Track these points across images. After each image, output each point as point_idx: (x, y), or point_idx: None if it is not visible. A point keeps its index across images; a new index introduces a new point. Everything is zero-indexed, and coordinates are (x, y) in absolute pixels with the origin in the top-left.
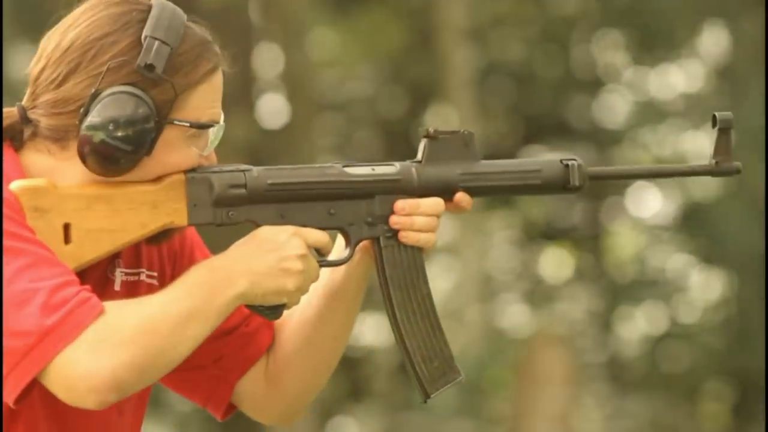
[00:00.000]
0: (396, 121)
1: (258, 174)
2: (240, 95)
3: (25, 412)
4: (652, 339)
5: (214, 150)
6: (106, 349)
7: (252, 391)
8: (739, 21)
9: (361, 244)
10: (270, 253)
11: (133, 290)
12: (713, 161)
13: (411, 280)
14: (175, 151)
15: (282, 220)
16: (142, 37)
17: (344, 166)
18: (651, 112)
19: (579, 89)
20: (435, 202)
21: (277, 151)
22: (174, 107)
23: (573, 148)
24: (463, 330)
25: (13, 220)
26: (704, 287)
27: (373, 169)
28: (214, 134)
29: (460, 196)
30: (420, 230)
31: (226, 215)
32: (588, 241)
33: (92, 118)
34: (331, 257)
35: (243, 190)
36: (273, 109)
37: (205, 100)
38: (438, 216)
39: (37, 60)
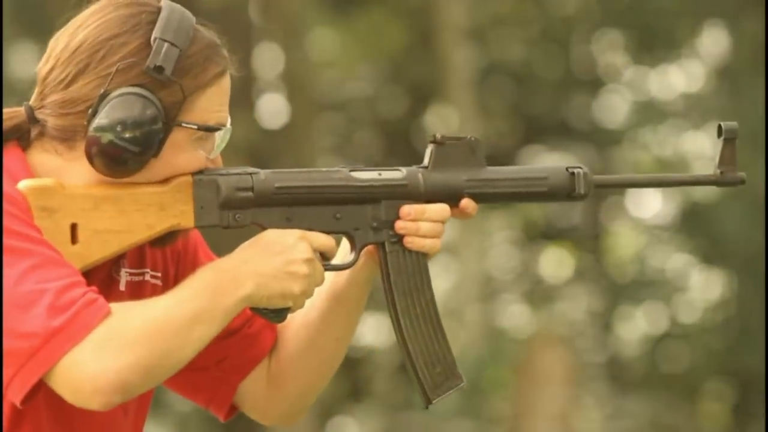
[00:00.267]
0: (396, 122)
1: (265, 177)
2: (240, 95)
3: (30, 413)
4: (652, 339)
5: None
6: (112, 350)
7: (254, 392)
8: (739, 21)
9: (365, 248)
10: (277, 256)
11: (137, 290)
12: (718, 171)
13: (415, 286)
14: (182, 153)
15: (288, 223)
16: (152, 38)
17: (351, 171)
18: (651, 112)
19: (579, 89)
20: (441, 208)
21: (277, 151)
22: (182, 109)
23: (573, 148)
24: (463, 330)
25: (20, 220)
26: (704, 287)
27: (380, 174)
28: (220, 137)
29: (466, 203)
30: (425, 236)
31: (232, 218)
32: (588, 241)
33: (100, 118)
34: (336, 261)
35: (250, 193)
36: (273, 109)
37: (213, 103)
38: (443, 222)
39: (46, 60)
